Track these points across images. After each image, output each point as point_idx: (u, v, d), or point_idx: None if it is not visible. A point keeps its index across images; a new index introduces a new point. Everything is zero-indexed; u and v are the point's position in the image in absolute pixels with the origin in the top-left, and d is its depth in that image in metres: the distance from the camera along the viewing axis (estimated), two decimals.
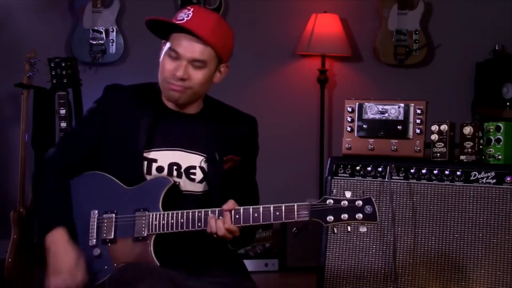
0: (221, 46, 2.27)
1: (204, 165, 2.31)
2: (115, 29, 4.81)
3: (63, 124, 3.83)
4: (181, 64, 2.24)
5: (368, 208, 2.11)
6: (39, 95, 4.13)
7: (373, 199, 2.12)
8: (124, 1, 4.90)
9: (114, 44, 4.81)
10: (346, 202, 2.12)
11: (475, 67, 5.02)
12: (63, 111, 3.85)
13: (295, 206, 2.13)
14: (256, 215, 2.14)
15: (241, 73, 4.78)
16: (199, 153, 2.32)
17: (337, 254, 2.93)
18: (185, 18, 2.23)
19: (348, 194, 2.14)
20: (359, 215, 2.11)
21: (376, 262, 2.89)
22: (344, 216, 2.11)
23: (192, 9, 2.26)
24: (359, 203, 2.11)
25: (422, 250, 2.83)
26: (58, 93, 3.88)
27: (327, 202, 2.12)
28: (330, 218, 2.12)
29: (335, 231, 2.19)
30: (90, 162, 2.35)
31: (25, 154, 3.96)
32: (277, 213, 2.13)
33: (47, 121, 4.17)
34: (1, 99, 4.79)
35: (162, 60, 2.29)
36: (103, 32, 4.80)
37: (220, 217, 2.16)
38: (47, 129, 4.15)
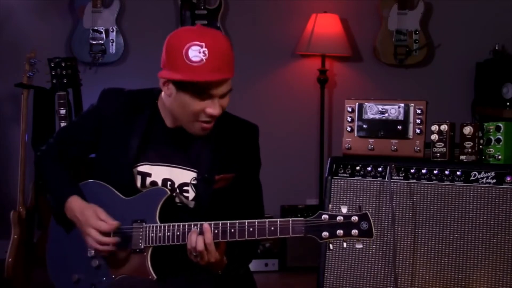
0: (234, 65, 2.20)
1: (194, 182, 2.26)
2: (115, 29, 4.81)
3: (63, 124, 3.83)
4: (214, 102, 2.14)
5: (364, 224, 2.06)
6: (39, 95, 4.14)
7: (369, 215, 2.07)
8: (124, 1, 4.90)
9: (114, 44, 4.81)
10: (341, 218, 2.06)
11: (475, 67, 5.01)
12: (63, 111, 3.86)
13: (290, 221, 2.09)
14: (251, 229, 2.09)
15: (241, 73, 4.70)
16: (192, 169, 2.27)
17: (337, 254, 2.93)
18: (203, 59, 2.08)
19: (344, 209, 2.08)
20: (355, 231, 2.05)
21: (376, 262, 2.89)
22: (340, 232, 2.05)
23: (204, 44, 2.09)
24: (355, 218, 2.06)
25: (422, 250, 2.83)
26: (58, 93, 3.89)
27: (322, 217, 2.07)
28: (325, 234, 2.06)
29: (331, 247, 2.12)
30: (85, 156, 2.37)
31: (25, 154, 3.96)
32: (272, 228, 2.08)
33: (47, 121, 4.17)
34: (1, 99, 4.79)
35: (186, 100, 2.15)
36: (103, 32, 4.80)
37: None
38: (47, 129, 4.16)
